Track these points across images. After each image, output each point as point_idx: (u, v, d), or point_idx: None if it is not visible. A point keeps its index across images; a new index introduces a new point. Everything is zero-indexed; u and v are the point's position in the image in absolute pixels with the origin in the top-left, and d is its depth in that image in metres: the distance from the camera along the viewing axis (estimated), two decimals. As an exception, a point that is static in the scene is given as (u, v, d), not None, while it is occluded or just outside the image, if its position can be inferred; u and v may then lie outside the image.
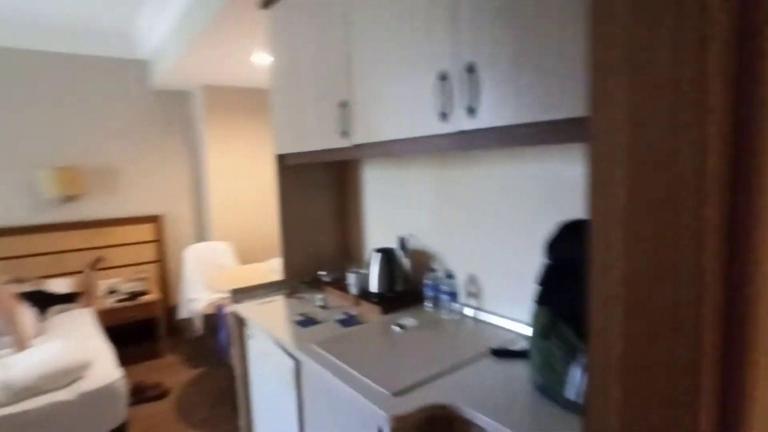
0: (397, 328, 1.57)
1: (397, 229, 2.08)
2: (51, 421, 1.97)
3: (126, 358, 3.53)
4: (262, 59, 3.23)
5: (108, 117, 3.93)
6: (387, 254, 1.87)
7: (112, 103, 3.94)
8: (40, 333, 2.89)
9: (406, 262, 1.93)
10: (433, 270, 1.78)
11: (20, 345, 2.54)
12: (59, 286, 3.41)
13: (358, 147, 1.60)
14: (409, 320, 1.63)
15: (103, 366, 2.30)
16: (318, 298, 1.89)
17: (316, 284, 2.16)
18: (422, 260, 1.94)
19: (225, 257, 3.97)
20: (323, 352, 1.41)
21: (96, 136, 3.89)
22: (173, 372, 3.43)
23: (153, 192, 4.16)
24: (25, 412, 1.93)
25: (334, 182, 2.37)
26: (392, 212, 2.11)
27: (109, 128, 3.94)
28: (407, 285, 1.91)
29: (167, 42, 3.44)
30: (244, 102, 4.20)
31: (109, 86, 3.92)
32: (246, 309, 1.89)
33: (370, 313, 1.78)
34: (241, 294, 2.00)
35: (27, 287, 3.20)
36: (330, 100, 1.69)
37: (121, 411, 2.20)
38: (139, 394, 3.05)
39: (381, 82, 1.44)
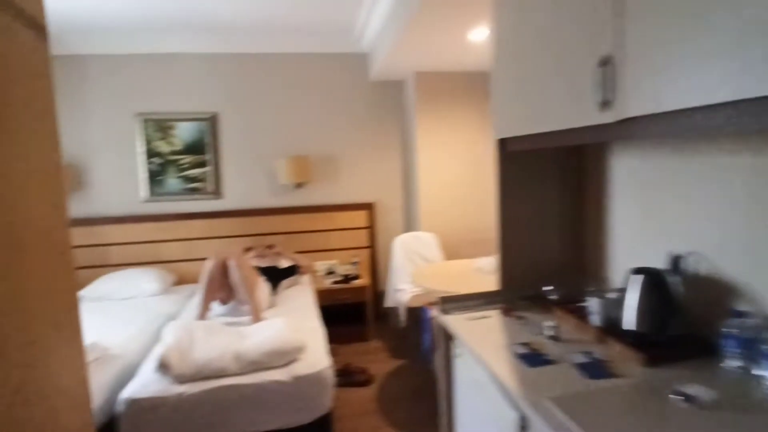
0: (678, 399, 1.04)
1: (665, 243, 1.48)
2: (267, 398, 2.07)
3: (336, 337, 3.73)
4: (479, 35, 2.88)
5: (332, 110, 4.19)
6: (653, 278, 1.31)
7: (335, 97, 4.18)
8: (271, 306, 3.23)
9: (681, 291, 1.33)
10: (739, 313, 1.16)
11: (255, 316, 2.83)
12: (285, 261, 3.79)
13: (626, 123, 1.10)
14: (697, 388, 1.07)
15: (316, 351, 2.35)
16: (546, 325, 1.46)
17: (538, 301, 1.73)
18: (712, 293, 1.31)
19: (430, 249, 3.83)
20: (565, 419, 1.00)
21: (321, 128, 4.19)
22: (377, 359, 3.45)
23: (367, 180, 4.30)
24: (247, 385, 2.06)
25: (568, 174, 1.87)
26: (658, 218, 1.51)
27: (332, 121, 4.20)
28: (685, 327, 1.31)
29: (383, 32, 3.40)
30: (456, 87, 3.95)
31: (334, 81, 4.16)
32: (454, 323, 1.60)
33: (625, 360, 1.27)
34: (449, 304, 1.72)
35: (264, 262, 3.63)
36: (580, 59, 1.22)
37: (327, 400, 2.20)
38: (347, 377, 3.14)
39: (682, 13, 0.91)
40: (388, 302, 3.78)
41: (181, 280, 4.00)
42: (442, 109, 3.95)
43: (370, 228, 4.27)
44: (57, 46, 3.74)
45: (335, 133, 4.21)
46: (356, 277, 3.92)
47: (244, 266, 2.95)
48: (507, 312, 1.67)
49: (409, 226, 4.34)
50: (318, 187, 4.22)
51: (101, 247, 3.93)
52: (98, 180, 3.93)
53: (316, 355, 2.32)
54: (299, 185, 4.16)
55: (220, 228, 4.06)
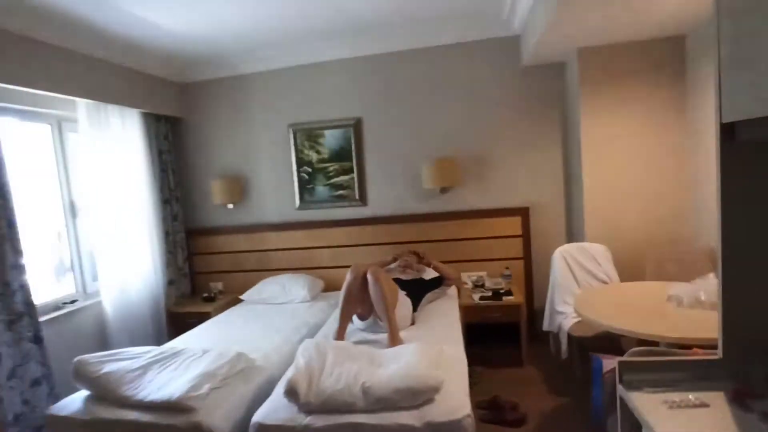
0: None
1: None
2: (396, 445, 1.80)
3: (484, 360, 3.32)
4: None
5: (479, 104, 3.77)
6: None
7: (483, 89, 3.74)
8: (412, 323, 2.99)
9: None
10: None
11: (392, 338, 2.61)
12: (429, 272, 3.52)
13: None
14: None
15: (456, 392, 2.01)
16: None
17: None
18: None
19: (600, 265, 3.14)
20: None
21: (468, 126, 3.80)
22: (532, 392, 2.95)
23: (521, 182, 3.77)
24: (374, 426, 1.83)
25: None
26: None
27: (481, 116, 3.78)
28: None
29: (537, 3, 2.85)
30: (633, 61, 3.15)
31: (481, 71, 3.73)
32: (646, 410, 1.09)
33: None
34: (634, 373, 1.20)
35: (408, 274, 3.42)
36: None
37: (466, 454, 1.84)
38: (495, 412, 2.72)
39: None
40: (546, 325, 3.22)
41: (329, 287, 4.06)
42: (613, 91, 3.21)
43: (525, 236, 3.73)
44: (226, 68, 4.12)
45: (484, 130, 3.78)
46: (508, 293, 3.44)
47: (381, 280, 2.76)
48: (739, 398, 1.08)
49: (572, 234, 3.66)
50: (465, 190, 3.84)
51: (262, 253, 4.21)
52: (259, 190, 4.22)
53: (456, 396, 1.97)
54: (445, 189, 3.84)
55: (364, 235, 3.99)
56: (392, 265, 3.56)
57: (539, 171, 3.73)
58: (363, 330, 2.92)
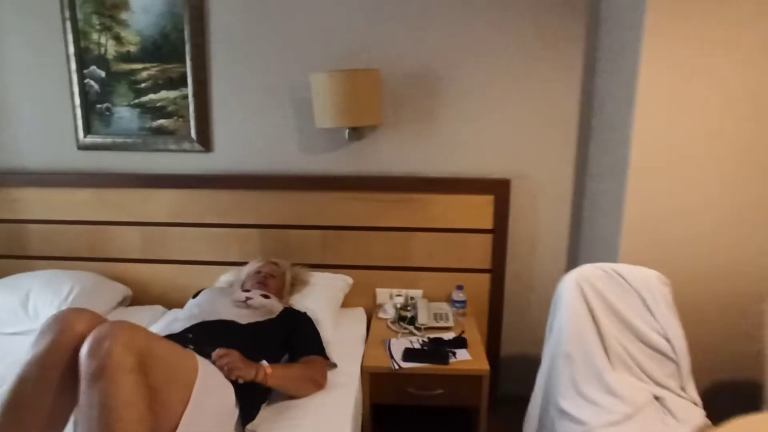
0: None
1: None
2: None
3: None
4: None
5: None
6: None
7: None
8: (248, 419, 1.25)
9: None
10: None
11: None
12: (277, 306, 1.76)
13: None
14: None
15: None
16: None
17: None
18: None
19: (652, 315, 1.51)
20: None
21: (415, 16, 1.96)
22: None
23: (497, 136, 2.03)
24: None
25: None
26: None
27: (440, 4, 1.95)
28: None
29: None
30: None
31: None
32: None
33: None
34: None
35: (256, 311, 1.64)
36: None
37: None
38: None
39: None
40: (531, 430, 1.59)
41: (139, 298, 2.21)
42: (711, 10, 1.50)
43: (498, 231, 2.03)
44: None
45: (443, 29, 1.97)
46: (459, 342, 1.78)
47: (124, 371, 0.95)
48: None
49: (587, 241, 2.02)
50: (395, 138, 2.06)
51: (12, 225, 2.24)
52: (8, 104, 2.19)
53: None
54: (357, 133, 2.04)
55: (203, 208, 2.13)
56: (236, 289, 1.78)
57: (534, 123, 2.01)
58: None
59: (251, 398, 1.30)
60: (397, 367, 1.67)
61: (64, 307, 1.85)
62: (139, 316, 2.05)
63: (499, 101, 1.99)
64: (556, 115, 1.99)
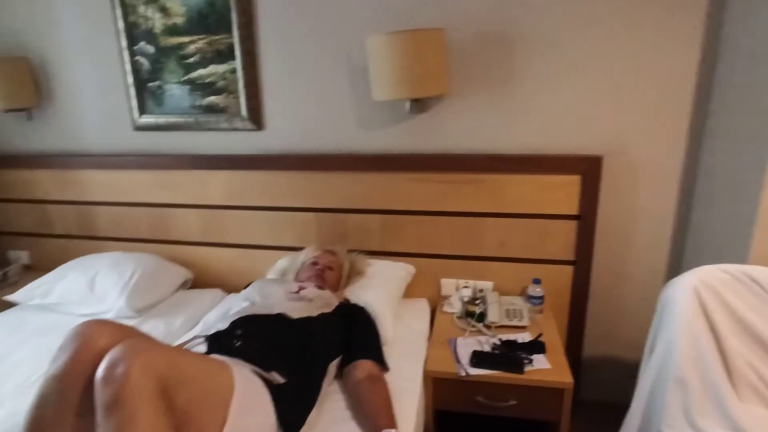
0: None
1: None
2: None
3: None
4: None
5: None
6: None
7: None
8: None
9: None
10: None
11: None
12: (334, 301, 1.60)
13: None
14: None
15: None
16: None
17: None
18: None
19: (801, 332, 1.18)
20: None
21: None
22: None
23: (588, 103, 1.69)
24: None
25: None
26: None
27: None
28: None
29: None
30: None
31: None
32: None
33: None
34: None
35: (311, 302, 1.51)
36: None
37: None
38: None
39: None
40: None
41: (200, 281, 2.18)
42: None
43: (585, 218, 1.73)
44: None
45: None
46: (536, 347, 1.55)
47: (146, 392, 0.84)
48: None
49: (706, 234, 1.66)
50: (464, 110, 1.79)
51: (82, 207, 2.28)
52: (69, 85, 2.18)
53: None
54: (420, 105, 1.79)
55: (256, 190, 2.01)
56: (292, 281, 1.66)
57: (635, 85, 1.63)
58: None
59: (294, 410, 1.17)
60: (464, 373, 1.47)
61: (127, 291, 1.87)
62: (200, 299, 2.02)
63: (590, 60, 1.64)
64: (666, 75, 1.60)
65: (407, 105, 1.77)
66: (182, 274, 2.12)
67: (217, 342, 1.28)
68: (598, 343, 1.92)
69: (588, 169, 1.67)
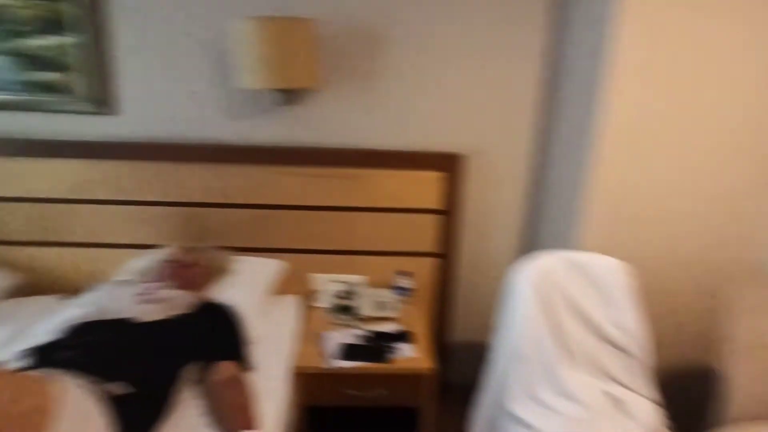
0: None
1: None
2: None
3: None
4: None
5: None
6: None
7: None
8: None
9: None
10: None
11: None
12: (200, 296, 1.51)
13: None
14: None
15: None
16: None
17: None
18: None
19: (614, 307, 1.38)
20: None
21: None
22: None
23: (449, 104, 1.80)
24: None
25: None
26: None
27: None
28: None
29: None
30: None
31: None
32: None
33: None
34: None
35: (158, 306, 1.37)
36: None
37: None
38: None
39: None
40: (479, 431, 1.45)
41: (34, 287, 1.87)
42: None
43: (448, 213, 1.84)
44: None
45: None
46: (402, 336, 1.60)
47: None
48: None
49: (545, 229, 1.86)
50: (333, 104, 1.79)
51: None
52: None
53: None
54: (289, 96, 1.75)
55: (113, 182, 1.79)
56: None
57: (491, 91, 1.79)
58: None
59: (140, 422, 1.06)
60: (331, 366, 1.46)
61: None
62: (30, 308, 1.72)
63: (455, 66, 1.75)
64: (516, 84, 1.78)
65: (276, 96, 1.72)
66: (7, 279, 1.80)
67: (45, 355, 1.11)
68: (465, 329, 2.05)
69: (451, 167, 1.78)
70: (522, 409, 1.28)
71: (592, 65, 1.46)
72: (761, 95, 1.40)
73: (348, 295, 1.78)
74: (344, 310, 1.72)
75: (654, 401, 1.34)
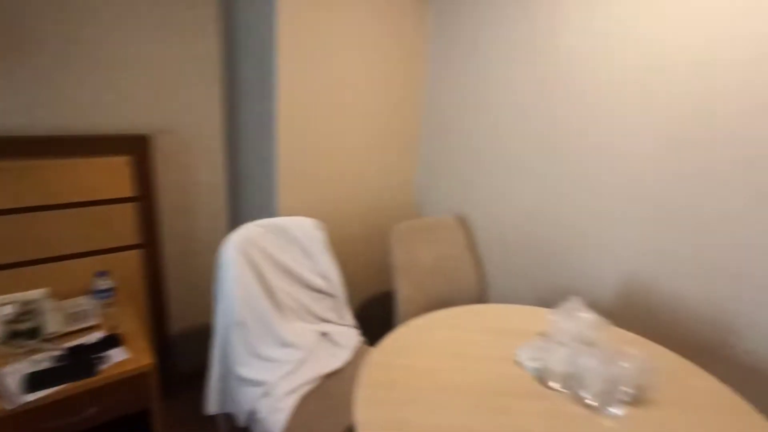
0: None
1: None
2: None
3: None
4: None
5: None
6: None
7: None
8: None
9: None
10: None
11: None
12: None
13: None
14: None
15: None
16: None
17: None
18: None
19: (312, 260, 1.61)
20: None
21: None
22: None
23: (123, 80, 1.64)
24: None
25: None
26: None
27: None
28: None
29: None
30: None
31: None
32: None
33: None
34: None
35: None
36: None
37: None
38: None
39: None
40: (217, 405, 1.48)
41: None
42: None
43: (143, 198, 1.70)
44: None
45: None
46: (110, 342, 1.44)
47: None
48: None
49: (252, 198, 1.94)
50: (-46, 80, 1.37)
51: None
52: None
53: None
54: None
55: None
56: None
57: (175, 66, 1.71)
58: None
59: None
60: (16, 405, 1.20)
61: None
62: None
63: (136, 39, 1.58)
64: (198, 61, 1.75)
65: None
66: None
67: None
68: (186, 316, 1.99)
69: (137, 149, 1.64)
70: (248, 369, 1.38)
71: (266, 47, 1.59)
72: (389, 76, 1.84)
73: (25, 315, 1.45)
74: (23, 335, 1.40)
75: (354, 327, 1.67)
